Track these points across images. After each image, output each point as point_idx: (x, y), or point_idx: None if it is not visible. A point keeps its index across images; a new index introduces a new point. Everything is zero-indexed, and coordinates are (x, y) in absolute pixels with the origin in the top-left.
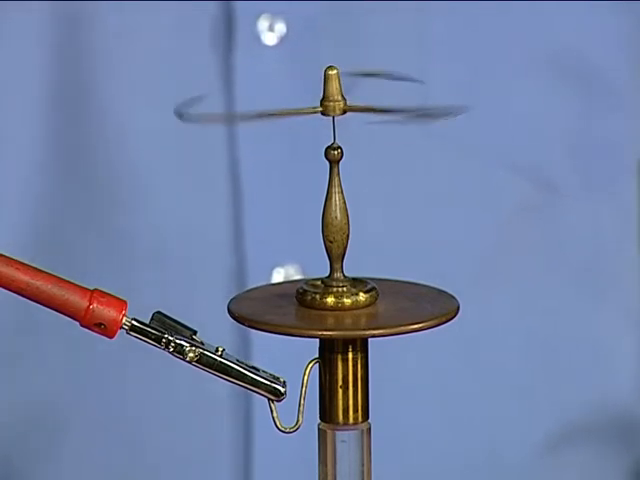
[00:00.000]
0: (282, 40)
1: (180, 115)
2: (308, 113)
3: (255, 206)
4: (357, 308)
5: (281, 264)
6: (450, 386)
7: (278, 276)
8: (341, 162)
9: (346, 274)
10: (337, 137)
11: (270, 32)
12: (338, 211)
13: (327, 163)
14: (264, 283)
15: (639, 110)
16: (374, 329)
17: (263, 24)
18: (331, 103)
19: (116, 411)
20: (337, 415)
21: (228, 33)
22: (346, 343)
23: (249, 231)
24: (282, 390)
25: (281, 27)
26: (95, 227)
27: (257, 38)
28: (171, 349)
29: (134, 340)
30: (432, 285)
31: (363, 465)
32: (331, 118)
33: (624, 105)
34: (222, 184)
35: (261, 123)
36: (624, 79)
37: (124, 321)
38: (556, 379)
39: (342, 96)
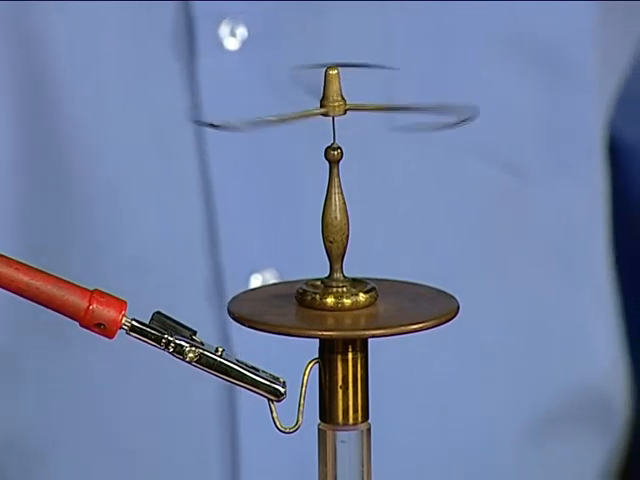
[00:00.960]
0: (244, 44)
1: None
2: (310, 115)
3: (229, 213)
4: (357, 308)
5: (258, 270)
6: (442, 382)
7: (256, 282)
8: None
9: (346, 274)
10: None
11: (232, 37)
12: (338, 211)
13: (298, 166)
14: (242, 289)
15: (604, 92)
16: (374, 329)
17: (224, 30)
18: (331, 104)
19: (101, 422)
20: (337, 415)
21: (190, 40)
22: (346, 343)
23: (224, 238)
24: (282, 390)
25: (242, 31)
26: (74, 240)
27: (219, 44)
28: (171, 349)
29: (118, 349)
30: (432, 285)
31: (363, 465)
32: (328, 118)
33: (589, 87)
34: (195, 192)
35: (231, 134)
36: (589, 61)
37: (124, 321)
38: (535, 364)
39: (342, 96)
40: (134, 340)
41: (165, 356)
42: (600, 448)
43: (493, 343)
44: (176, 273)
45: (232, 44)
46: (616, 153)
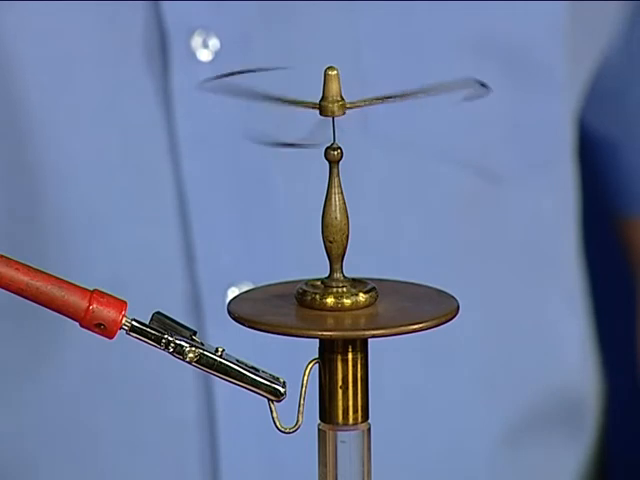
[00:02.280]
0: (217, 55)
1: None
2: (307, 106)
3: (205, 227)
4: (357, 308)
5: (235, 283)
6: (436, 384)
7: (233, 295)
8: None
9: (346, 274)
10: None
11: (204, 49)
12: (338, 212)
13: (273, 180)
14: (219, 304)
15: (574, 92)
16: (374, 329)
17: (197, 41)
18: (330, 104)
19: (82, 440)
20: (337, 415)
21: (163, 52)
22: (346, 343)
23: (201, 253)
24: (282, 390)
25: (215, 43)
26: (47, 257)
27: (192, 55)
28: (171, 349)
29: (100, 369)
30: (432, 285)
31: (363, 465)
32: (328, 118)
33: (559, 88)
34: (170, 207)
35: (206, 148)
36: (558, 62)
37: (124, 321)
38: (507, 367)
39: (341, 96)
40: (110, 353)
41: (144, 368)
42: (574, 451)
43: (466, 346)
44: (153, 288)
45: (205, 55)
46: (586, 148)
